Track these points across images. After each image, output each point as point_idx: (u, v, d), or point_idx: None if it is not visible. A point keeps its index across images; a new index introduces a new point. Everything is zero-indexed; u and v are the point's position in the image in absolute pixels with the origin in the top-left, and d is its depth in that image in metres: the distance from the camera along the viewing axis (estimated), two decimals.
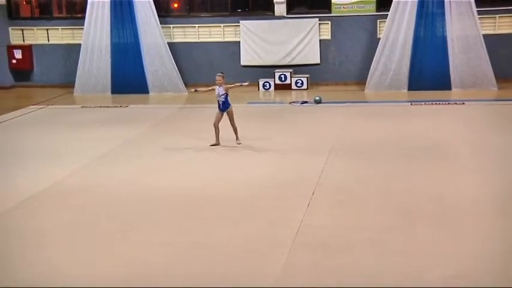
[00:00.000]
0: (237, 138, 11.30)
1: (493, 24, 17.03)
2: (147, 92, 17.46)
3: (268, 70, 17.66)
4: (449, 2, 16.15)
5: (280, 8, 17.75)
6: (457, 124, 12.77)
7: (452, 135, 11.76)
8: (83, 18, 17.63)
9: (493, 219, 7.58)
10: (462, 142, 11.22)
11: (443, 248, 6.74)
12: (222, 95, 10.97)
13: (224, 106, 11.06)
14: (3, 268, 6.64)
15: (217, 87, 11.01)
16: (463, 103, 14.75)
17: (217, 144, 11.20)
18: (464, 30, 16.23)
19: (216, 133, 11.20)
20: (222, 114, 11.13)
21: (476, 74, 16.31)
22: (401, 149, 10.85)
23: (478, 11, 16.16)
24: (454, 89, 16.31)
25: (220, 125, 11.21)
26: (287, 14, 17.78)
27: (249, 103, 15.79)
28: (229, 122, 11.21)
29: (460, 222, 7.51)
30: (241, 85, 11.34)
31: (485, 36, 16.25)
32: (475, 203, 8.15)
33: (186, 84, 17.28)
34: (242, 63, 18.03)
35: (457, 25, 16.22)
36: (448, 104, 14.75)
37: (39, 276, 6.41)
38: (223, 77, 11.07)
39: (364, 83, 16.87)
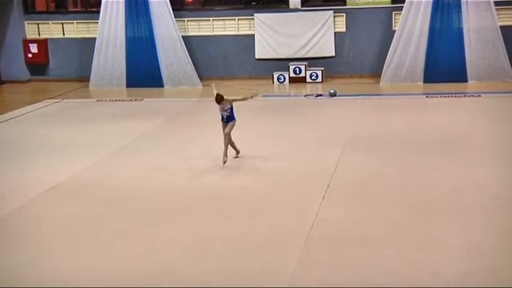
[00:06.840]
0: (236, 151, 10.28)
1: (511, 15, 16.80)
2: (162, 86, 17.48)
3: (282, 63, 17.61)
4: None
5: (294, 1, 17.68)
6: (473, 117, 12.66)
7: (469, 128, 11.67)
8: (98, 12, 17.67)
9: (511, 213, 7.52)
10: (479, 135, 11.12)
11: (460, 243, 6.70)
12: (228, 109, 9.90)
13: (228, 119, 9.98)
14: (20, 265, 6.70)
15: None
16: (479, 95, 14.62)
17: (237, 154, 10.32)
18: (481, 21, 16.05)
19: (231, 146, 10.20)
20: (226, 125, 9.98)
21: (493, 66, 16.15)
22: (416, 142, 10.78)
23: (495, 2, 15.99)
24: (470, 82, 16.15)
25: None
26: (302, 6, 17.72)
27: (263, 96, 15.75)
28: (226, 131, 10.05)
29: (477, 216, 7.45)
30: (250, 97, 10.50)
31: (503, 28, 16.08)
32: (492, 197, 8.08)
33: (201, 78, 17.31)
34: (256, 56, 17.99)
35: (473, 17, 16.05)
36: (464, 96, 14.62)
37: (56, 272, 6.48)
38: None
39: (379, 76, 16.77)
